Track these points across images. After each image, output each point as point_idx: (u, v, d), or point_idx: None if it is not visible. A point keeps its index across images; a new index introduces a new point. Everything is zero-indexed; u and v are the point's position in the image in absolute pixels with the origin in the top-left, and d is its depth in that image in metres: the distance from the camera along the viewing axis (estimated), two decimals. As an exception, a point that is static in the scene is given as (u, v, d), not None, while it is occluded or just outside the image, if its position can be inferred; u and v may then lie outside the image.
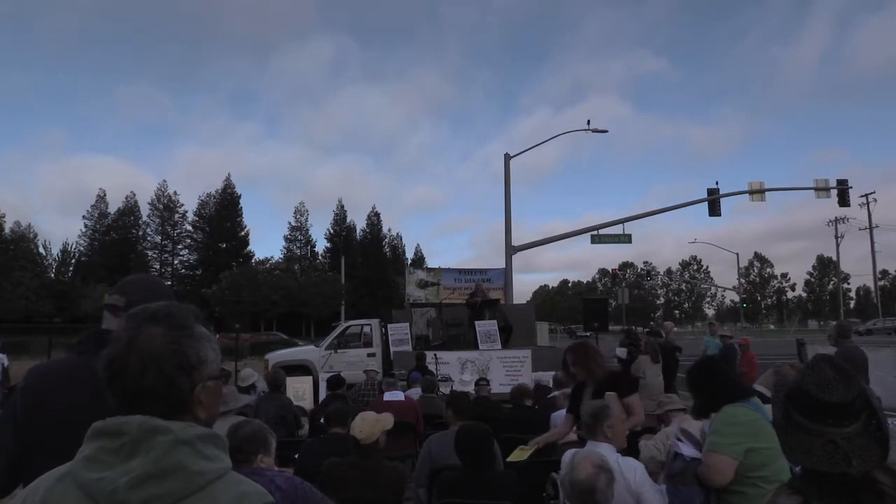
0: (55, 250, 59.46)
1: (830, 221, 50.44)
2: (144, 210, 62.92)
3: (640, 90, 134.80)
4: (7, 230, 55.29)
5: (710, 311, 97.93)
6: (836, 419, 1.37)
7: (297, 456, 4.25)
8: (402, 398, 6.04)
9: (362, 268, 63.86)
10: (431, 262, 75.05)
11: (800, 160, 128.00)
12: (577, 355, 4.16)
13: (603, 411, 3.07)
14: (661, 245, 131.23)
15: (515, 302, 19.79)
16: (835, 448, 1.34)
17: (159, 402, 1.01)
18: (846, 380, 1.40)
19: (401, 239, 78.49)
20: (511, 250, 20.93)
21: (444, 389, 8.94)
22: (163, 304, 1.11)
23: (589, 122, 22.78)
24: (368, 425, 3.27)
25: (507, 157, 21.77)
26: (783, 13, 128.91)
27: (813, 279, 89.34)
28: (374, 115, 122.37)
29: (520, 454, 3.98)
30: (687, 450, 2.85)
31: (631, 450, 3.30)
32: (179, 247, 63.84)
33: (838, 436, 1.35)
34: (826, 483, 1.35)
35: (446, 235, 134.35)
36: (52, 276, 55.14)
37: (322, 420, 5.46)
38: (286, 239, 68.31)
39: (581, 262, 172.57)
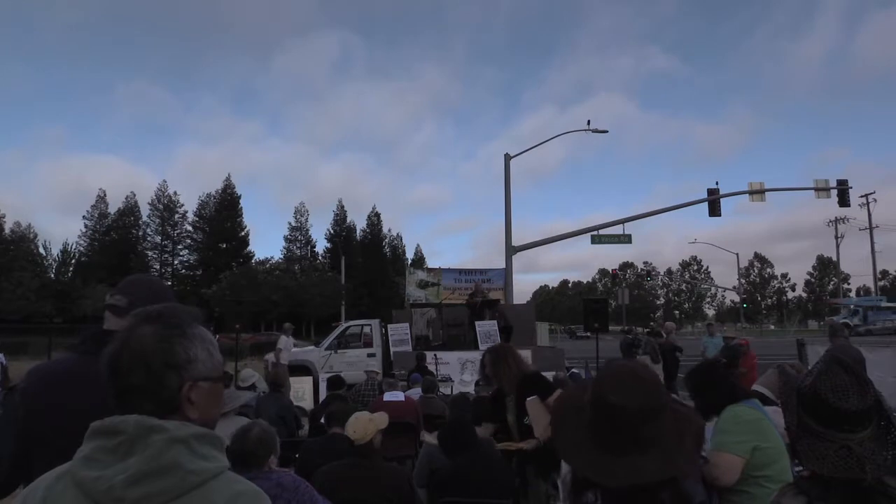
0: (55, 250, 59.58)
1: (830, 221, 50.53)
2: (144, 210, 63.12)
3: (644, 89, 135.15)
4: (7, 230, 55.33)
5: (710, 312, 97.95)
6: (851, 425, 1.34)
7: (297, 456, 4.25)
8: (402, 398, 6.03)
9: (362, 268, 63.84)
10: (433, 262, 75.21)
11: (802, 160, 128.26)
12: (496, 359, 3.81)
13: None
14: (662, 245, 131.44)
15: (516, 302, 19.79)
16: (849, 453, 1.31)
17: (148, 400, 1.02)
18: (861, 385, 1.38)
19: (401, 239, 78.72)
20: (511, 251, 20.93)
21: (445, 390, 8.95)
22: (161, 305, 1.12)
23: (589, 122, 22.85)
24: (362, 425, 3.26)
25: (508, 158, 21.78)
26: (787, 13, 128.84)
27: (813, 279, 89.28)
28: (377, 114, 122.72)
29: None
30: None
31: None
32: (179, 247, 63.88)
33: (853, 441, 1.32)
34: (832, 484, 1.33)
35: (448, 235, 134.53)
36: (53, 276, 55.13)
37: (322, 420, 5.45)
38: (286, 239, 68.51)
39: (582, 262, 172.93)
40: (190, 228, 64.09)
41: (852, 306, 44.48)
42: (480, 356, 12.49)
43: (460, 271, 20.03)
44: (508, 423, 3.71)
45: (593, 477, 1.36)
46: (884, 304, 43.01)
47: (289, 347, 12.63)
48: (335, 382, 6.93)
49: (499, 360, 3.77)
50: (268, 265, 60.46)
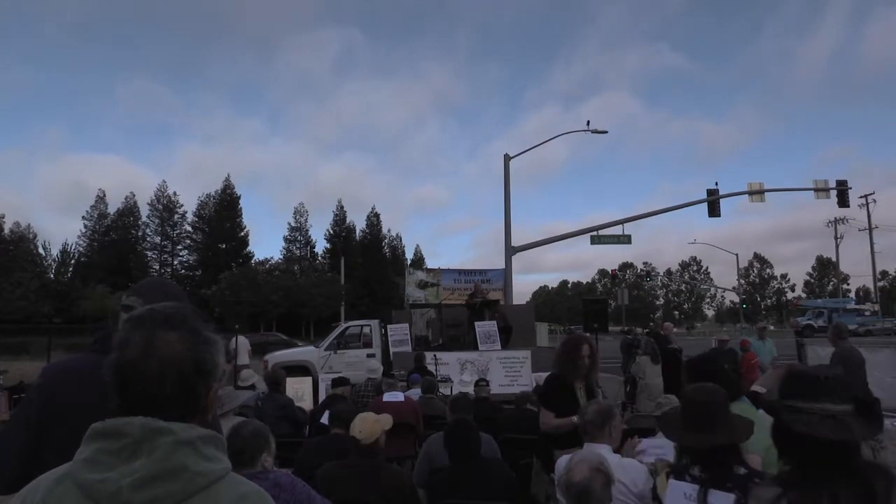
0: (55, 251, 59.60)
1: (830, 222, 50.54)
2: (144, 210, 63.09)
3: (646, 88, 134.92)
4: (7, 230, 55.32)
5: (709, 312, 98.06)
6: (830, 396, 1.51)
7: (296, 455, 4.26)
8: (402, 399, 6.04)
9: (362, 268, 63.87)
10: (434, 263, 75.35)
11: (804, 160, 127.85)
12: (572, 349, 4.05)
13: (610, 411, 3.06)
14: (662, 246, 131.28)
15: (515, 302, 19.81)
16: (834, 421, 1.47)
17: (176, 407, 1.02)
18: (823, 367, 1.65)
19: (400, 240, 78.79)
20: (510, 251, 20.94)
21: (444, 390, 8.94)
22: (171, 306, 1.10)
23: (588, 122, 22.86)
24: (368, 425, 3.27)
25: (507, 158, 21.79)
26: (790, 13, 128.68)
27: (812, 280, 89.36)
28: (378, 113, 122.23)
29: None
30: None
31: None
32: (179, 247, 63.88)
33: (836, 412, 1.48)
34: (804, 475, 1.47)
35: (448, 236, 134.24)
36: (52, 276, 55.10)
37: (322, 420, 5.46)
38: (286, 239, 68.53)
39: (584, 263, 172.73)
40: (189, 229, 64.13)
41: (817, 308, 45.28)
42: (480, 357, 12.54)
43: (460, 272, 20.02)
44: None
45: (684, 443, 2.23)
46: (850, 305, 43.69)
47: (244, 345, 12.66)
48: (339, 383, 6.93)
49: (575, 350, 3.99)
50: (267, 265, 60.46)
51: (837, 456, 1.46)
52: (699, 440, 2.17)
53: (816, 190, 24.14)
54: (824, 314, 41.76)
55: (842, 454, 1.46)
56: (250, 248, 65.67)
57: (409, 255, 77.80)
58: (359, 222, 72.93)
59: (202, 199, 64.95)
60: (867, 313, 42.56)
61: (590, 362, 3.96)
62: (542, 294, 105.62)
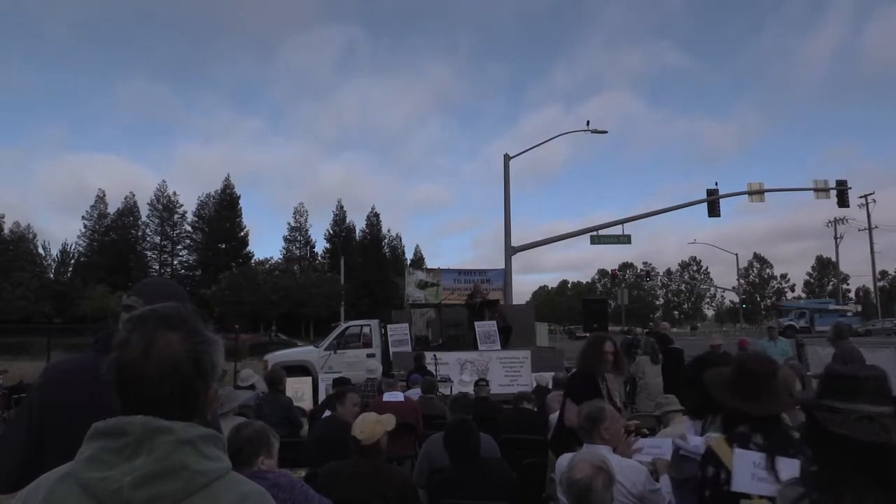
0: (54, 251, 59.65)
1: (830, 222, 50.56)
2: (144, 210, 63.12)
3: (648, 88, 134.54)
4: (7, 230, 55.36)
5: (709, 312, 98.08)
6: (868, 396, 1.48)
7: (300, 453, 4.30)
8: (402, 399, 6.04)
9: (362, 268, 63.89)
10: (434, 263, 75.33)
11: (805, 160, 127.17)
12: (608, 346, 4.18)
13: (599, 413, 3.07)
14: (662, 246, 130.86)
15: (515, 302, 19.81)
16: (871, 422, 1.43)
17: (176, 407, 1.02)
18: (858, 367, 1.60)
19: (400, 240, 78.79)
20: (510, 251, 20.94)
21: (444, 390, 8.95)
22: (171, 306, 1.11)
23: (588, 122, 22.85)
24: (369, 426, 3.27)
25: (507, 158, 21.78)
26: (787, 16, 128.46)
27: (812, 280, 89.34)
28: (379, 112, 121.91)
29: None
30: (694, 446, 2.77)
31: None
32: (179, 247, 63.92)
33: (873, 413, 1.45)
34: (830, 477, 1.44)
35: (449, 235, 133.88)
36: (52, 276, 55.12)
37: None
38: (285, 239, 68.56)
39: (582, 263, 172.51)
40: (189, 229, 64.18)
41: (799, 308, 45.50)
42: (480, 356, 12.51)
43: (459, 272, 20.04)
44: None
45: (730, 405, 2.30)
46: (832, 306, 43.78)
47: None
48: (340, 383, 6.95)
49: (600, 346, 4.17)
50: (267, 265, 60.47)
51: (870, 458, 1.41)
52: (752, 407, 2.24)
53: (816, 190, 24.16)
54: (806, 315, 42.05)
55: (875, 457, 1.41)
56: (250, 248, 65.84)
57: (409, 255, 77.91)
58: (359, 222, 73.10)
59: (202, 198, 65.09)
60: (850, 314, 42.63)
61: (613, 359, 4.11)
62: (542, 294, 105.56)
